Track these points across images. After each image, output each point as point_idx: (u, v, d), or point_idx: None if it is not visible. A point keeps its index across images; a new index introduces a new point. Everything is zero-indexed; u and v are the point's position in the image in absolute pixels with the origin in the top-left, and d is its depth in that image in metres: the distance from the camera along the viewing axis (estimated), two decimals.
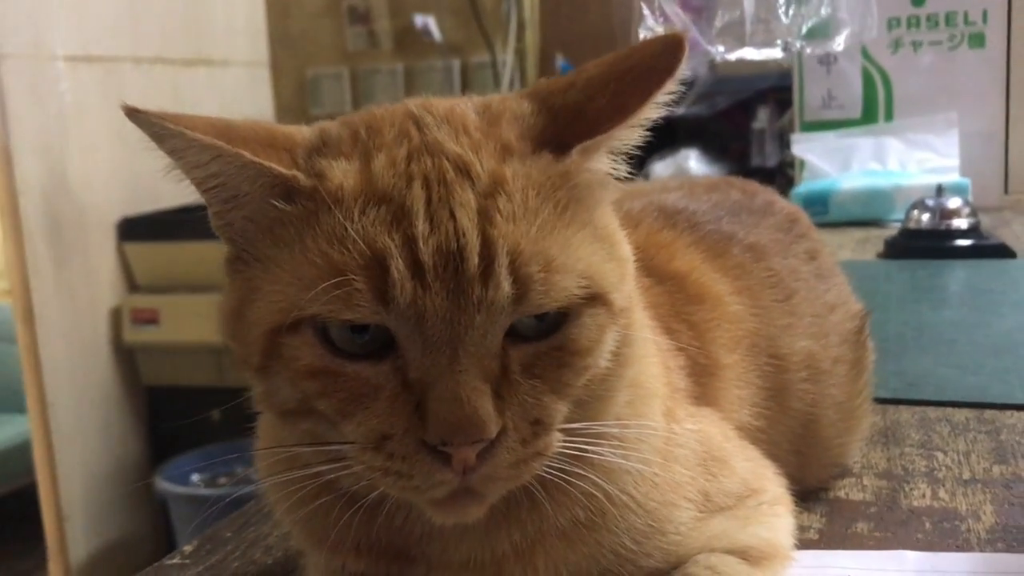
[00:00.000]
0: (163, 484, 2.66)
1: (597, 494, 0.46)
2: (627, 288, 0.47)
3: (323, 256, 0.42)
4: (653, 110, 0.46)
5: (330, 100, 3.59)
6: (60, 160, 2.84)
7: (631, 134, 0.47)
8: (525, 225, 0.42)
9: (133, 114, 0.43)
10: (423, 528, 0.48)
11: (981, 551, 0.61)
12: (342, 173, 0.43)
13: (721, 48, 1.48)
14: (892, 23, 2.09)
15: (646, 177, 2.93)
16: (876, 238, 1.83)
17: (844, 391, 0.70)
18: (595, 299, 0.44)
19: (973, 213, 1.63)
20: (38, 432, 2.80)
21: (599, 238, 0.46)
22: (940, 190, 1.65)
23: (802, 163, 2.14)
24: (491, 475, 0.42)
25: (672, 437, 0.51)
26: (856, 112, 2.14)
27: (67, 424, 2.83)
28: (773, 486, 0.57)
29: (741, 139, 2.95)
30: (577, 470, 0.45)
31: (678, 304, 0.61)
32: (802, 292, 0.69)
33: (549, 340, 0.43)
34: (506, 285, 0.41)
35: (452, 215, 0.42)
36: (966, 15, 2.05)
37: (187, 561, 0.64)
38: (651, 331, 0.55)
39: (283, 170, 0.44)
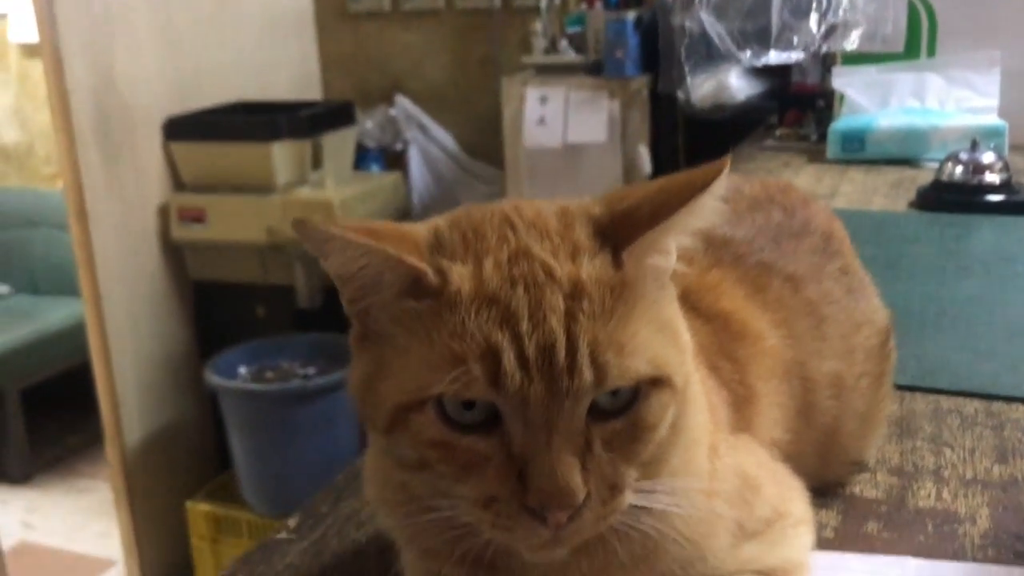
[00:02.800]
0: (212, 377, 2.80)
1: (652, 534, 0.56)
2: (685, 370, 0.55)
3: (447, 348, 0.50)
4: (690, 218, 0.53)
5: None
6: (107, 59, 2.89)
7: (669, 238, 0.54)
8: (602, 321, 0.51)
9: (301, 225, 0.51)
10: (510, 549, 0.57)
11: (973, 557, 0.71)
12: (459, 277, 0.51)
13: (748, 53, 1.52)
14: None
15: (686, 95, 2.95)
16: (910, 181, 1.88)
17: (866, 402, 0.79)
18: (660, 381, 0.53)
19: (1006, 168, 1.67)
20: (92, 322, 2.95)
21: (662, 328, 0.54)
22: (975, 144, 1.69)
23: (841, 97, 2.16)
24: (577, 530, 0.51)
25: (715, 474, 0.61)
26: (899, 46, 2.15)
27: (119, 315, 2.97)
28: (798, 508, 0.67)
29: None
30: (637, 517, 0.54)
31: (723, 342, 0.69)
32: (833, 315, 0.77)
33: (623, 418, 0.52)
34: (588, 373, 0.49)
35: (545, 316, 0.50)
36: None
37: (293, 536, 0.75)
38: (699, 374, 0.63)
39: (417, 263, 0.52)
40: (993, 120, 2.01)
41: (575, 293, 0.51)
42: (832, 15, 1.56)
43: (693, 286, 0.71)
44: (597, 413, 0.51)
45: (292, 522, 0.78)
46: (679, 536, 0.57)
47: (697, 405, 0.60)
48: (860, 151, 2.04)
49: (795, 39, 1.56)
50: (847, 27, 1.62)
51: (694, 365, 0.61)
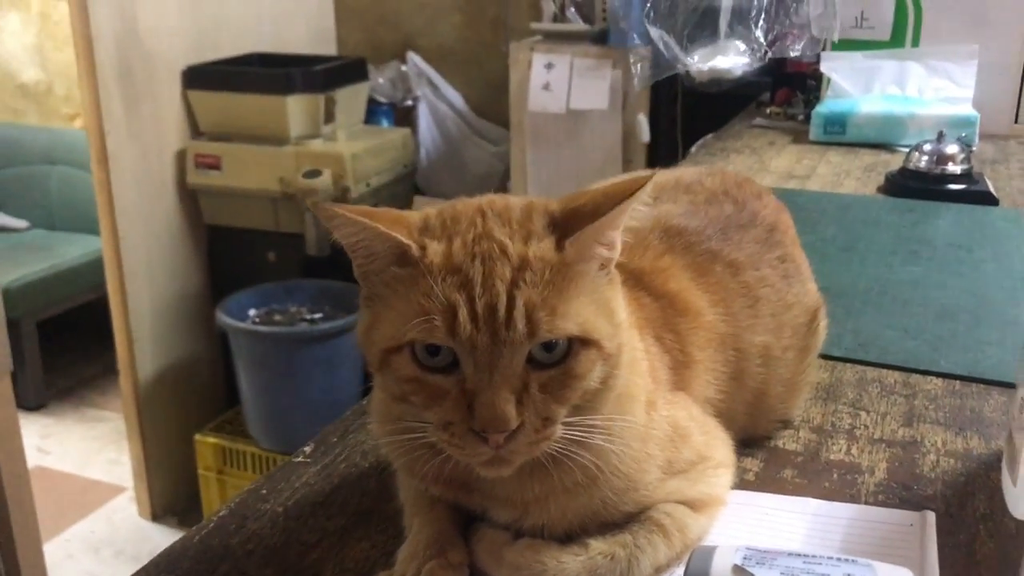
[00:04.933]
0: (223, 318, 2.95)
1: (589, 466, 0.70)
2: (616, 342, 0.69)
3: (419, 305, 0.65)
4: (619, 217, 0.67)
5: None
6: (131, 8, 3.01)
7: (602, 233, 0.67)
8: (539, 289, 0.64)
9: (315, 207, 0.65)
10: (471, 468, 0.72)
11: (865, 501, 0.86)
12: (433, 253, 0.66)
13: (695, 58, 1.65)
14: None
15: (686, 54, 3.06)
16: (883, 166, 2.02)
17: (791, 371, 0.94)
18: (589, 343, 0.67)
19: (968, 159, 1.81)
20: (110, 260, 3.09)
21: (598, 304, 0.67)
22: (941, 135, 1.82)
23: (828, 81, 2.28)
24: (514, 450, 0.66)
25: (649, 423, 0.76)
26: (886, 34, 2.27)
27: (136, 255, 3.12)
28: (720, 453, 0.82)
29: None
30: (576, 450, 0.69)
31: (668, 317, 0.84)
32: (766, 297, 0.92)
33: (557, 369, 0.66)
34: (521, 326, 0.64)
35: (494, 283, 0.64)
36: None
37: (308, 460, 0.91)
38: (643, 343, 0.78)
39: (404, 238, 0.66)
40: (967, 110, 2.14)
41: (521, 266, 0.65)
42: (779, 24, 1.69)
43: (647, 269, 0.85)
44: (536, 364, 0.66)
45: (308, 449, 0.93)
46: (615, 470, 0.73)
47: (635, 369, 0.74)
48: (841, 134, 2.18)
49: (742, 46, 1.69)
50: (795, 35, 1.74)
51: (637, 336, 0.76)
